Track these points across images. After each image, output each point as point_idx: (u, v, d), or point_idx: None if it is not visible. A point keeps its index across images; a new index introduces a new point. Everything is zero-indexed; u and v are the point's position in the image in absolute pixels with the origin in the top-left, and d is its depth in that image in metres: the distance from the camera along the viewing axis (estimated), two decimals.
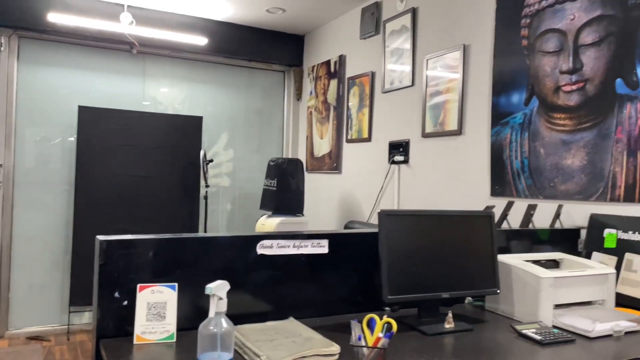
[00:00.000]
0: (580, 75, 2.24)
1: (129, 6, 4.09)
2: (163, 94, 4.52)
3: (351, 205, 4.01)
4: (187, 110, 4.60)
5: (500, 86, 2.66)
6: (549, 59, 2.39)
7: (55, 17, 3.79)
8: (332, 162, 4.25)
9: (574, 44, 2.27)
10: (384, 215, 1.52)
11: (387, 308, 1.67)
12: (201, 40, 4.28)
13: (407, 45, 3.39)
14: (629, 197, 2.02)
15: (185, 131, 4.28)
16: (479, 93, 2.80)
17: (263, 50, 4.72)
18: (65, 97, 4.16)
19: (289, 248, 1.56)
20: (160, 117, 4.20)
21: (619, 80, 2.09)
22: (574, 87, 2.27)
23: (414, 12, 3.34)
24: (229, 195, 4.77)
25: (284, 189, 3.76)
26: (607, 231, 2.01)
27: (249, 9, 4.16)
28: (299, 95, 4.92)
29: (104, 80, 4.28)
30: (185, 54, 4.52)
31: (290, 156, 4.92)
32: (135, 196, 4.11)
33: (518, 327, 1.49)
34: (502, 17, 2.67)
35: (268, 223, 3.65)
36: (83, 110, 3.96)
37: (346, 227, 3.71)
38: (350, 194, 4.01)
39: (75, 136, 4.10)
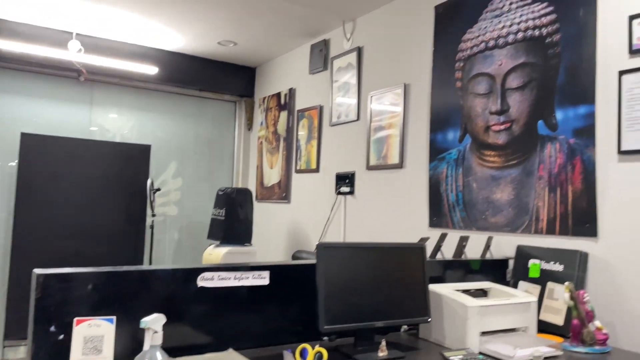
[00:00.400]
0: (507, 116, 2.43)
1: (77, 34, 4.08)
2: (111, 121, 4.48)
3: (299, 235, 4.07)
4: (135, 139, 4.56)
5: (437, 124, 2.83)
6: (480, 100, 2.58)
7: (1, 44, 3.72)
8: (282, 192, 4.31)
9: (501, 87, 2.47)
10: (322, 247, 1.59)
11: (325, 338, 1.72)
12: (151, 70, 4.30)
13: (353, 82, 3.54)
14: (551, 230, 2.19)
15: (133, 159, 4.24)
16: (419, 129, 2.97)
17: (214, 80, 4.78)
18: (9, 123, 4.05)
19: (230, 280, 1.60)
20: (107, 145, 4.16)
21: (540, 122, 2.29)
22: (502, 127, 2.45)
23: (359, 50, 3.51)
24: (176, 224, 4.73)
25: (233, 218, 3.78)
26: (531, 261, 2.16)
27: (200, 41, 4.23)
28: (249, 126, 4.99)
29: (49, 107, 4.20)
30: (135, 83, 4.52)
31: (240, 185, 4.95)
32: (78, 226, 4.01)
33: (446, 354, 1.58)
34: (438, 59, 2.86)
35: (215, 253, 3.65)
36: (26, 137, 3.87)
37: (294, 257, 3.76)
38: (298, 223, 4.08)
39: (17, 161, 3.98)
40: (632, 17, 1.94)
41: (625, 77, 1.95)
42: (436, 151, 2.82)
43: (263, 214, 4.55)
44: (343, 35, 3.67)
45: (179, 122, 4.78)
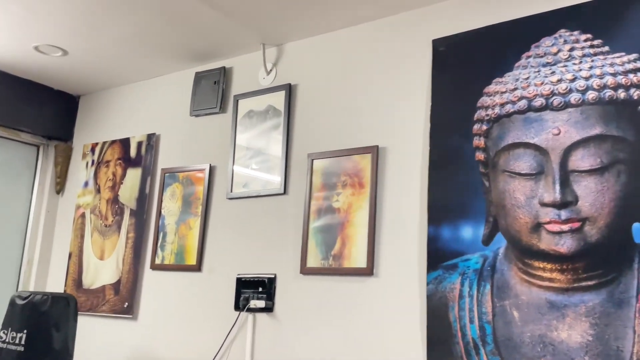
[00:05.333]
0: (574, 211, 1.98)
1: None
2: None
3: None
4: None
5: (441, 211, 2.27)
6: (522, 184, 2.11)
7: None
8: (122, 300, 3.22)
9: (560, 167, 2.03)
10: None
11: None
12: None
13: (278, 135, 2.83)
14: None
15: None
16: (406, 216, 2.37)
17: (7, 107, 3.58)
18: None
19: None
20: None
21: (636, 225, 1.88)
22: (565, 227, 1.99)
23: (289, 89, 2.85)
24: None
25: (42, 348, 2.64)
26: None
27: (2, 41, 3.10)
28: (60, 186, 3.82)
29: None
30: None
31: (33, 286, 3.66)
32: None
33: None
34: (440, 116, 2.36)
35: None
36: None
37: None
38: (154, 357, 3.03)
39: None
40: None
41: None
42: (440, 255, 2.24)
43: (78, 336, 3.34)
44: (261, 64, 2.97)
45: None
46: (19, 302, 2.70)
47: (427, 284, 2.24)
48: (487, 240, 2.16)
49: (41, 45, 3.14)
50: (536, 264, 2.04)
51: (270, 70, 2.96)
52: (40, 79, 3.66)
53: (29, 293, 2.72)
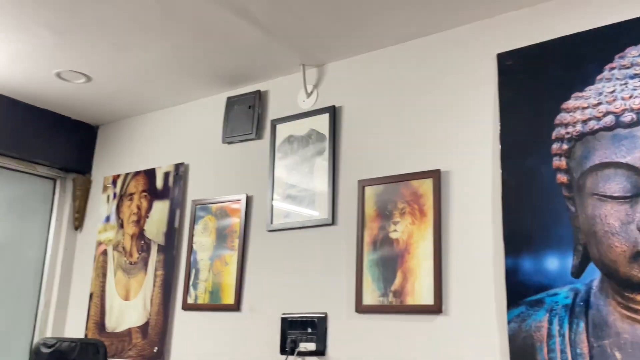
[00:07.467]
0: None
1: None
2: None
3: None
4: None
5: (520, 241, 2.05)
6: (615, 208, 1.89)
7: None
8: (151, 344, 2.96)
9: None
10: None
11: None
12: None
13: (322, 161, 2.62)
14: None
15: None
16: (477, 247, 2.14)
17: (22, 139, 3.37)
18: None
19: None
20: None
21: None
22: None
23: (333, 111, 2.65)
24: None
25: None
26: None
27: (21, 66, 2.90)
28: (79, 222, 3.58)
29: None
30: None
31: (51, 331, 3.39)
32: None
33: None
34: (511, 136, 2.15)
35: None
36: None
37: None
38: None
39: None
40: None
41: None
42: (522, 289, 2.01)
43: None
44: (301, 86, 2.78)
45: None
46: (45, 350, 2.44)
47: (508, 322, 2.01)
48: (578, 271, 1.93)
49: (64, 72, 2.95)
50: (639, 297, 1.81)
51: (311, 92, 2.77)
52: (58, 109, 3.46)
53: (55, 340, 2.47)
